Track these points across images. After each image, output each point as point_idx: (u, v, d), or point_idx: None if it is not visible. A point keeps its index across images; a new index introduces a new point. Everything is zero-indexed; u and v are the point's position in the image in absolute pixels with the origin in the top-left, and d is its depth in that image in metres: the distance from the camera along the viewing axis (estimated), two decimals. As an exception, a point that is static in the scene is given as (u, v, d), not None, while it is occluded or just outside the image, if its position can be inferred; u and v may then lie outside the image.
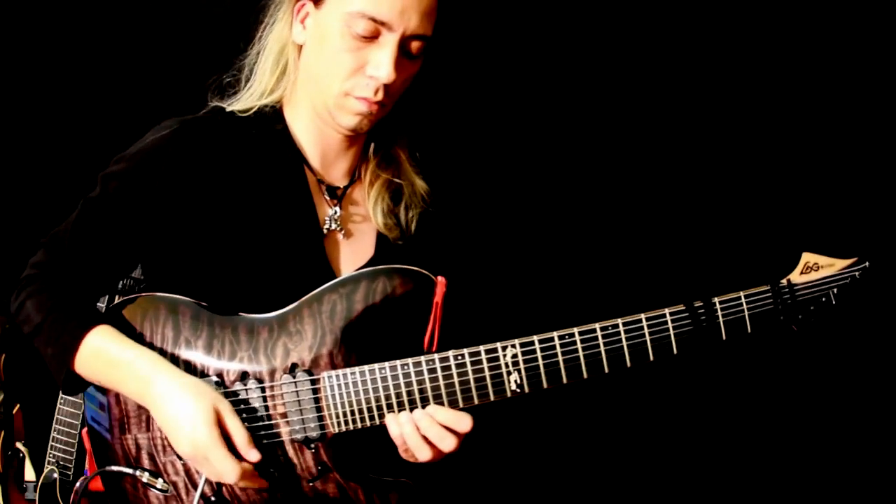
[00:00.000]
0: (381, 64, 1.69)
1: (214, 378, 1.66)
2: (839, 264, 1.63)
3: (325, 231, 1.82)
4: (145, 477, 1.66)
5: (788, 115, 2.38)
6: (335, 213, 1.83)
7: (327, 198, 1.84)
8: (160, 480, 1.66)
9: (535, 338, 1.63)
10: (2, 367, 2.68)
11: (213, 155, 1.73)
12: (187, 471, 1.66)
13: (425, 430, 1.62)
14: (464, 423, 1.62)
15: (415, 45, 1.72)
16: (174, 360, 1.67)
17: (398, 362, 1.64)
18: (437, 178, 1.93)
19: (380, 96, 1.72)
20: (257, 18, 1.86)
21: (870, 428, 2.39)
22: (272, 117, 1.82)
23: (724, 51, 2.40)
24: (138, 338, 1.69)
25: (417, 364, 1.63)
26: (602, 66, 2.47)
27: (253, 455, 1.59)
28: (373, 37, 1.69)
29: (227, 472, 1.56)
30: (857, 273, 1.62)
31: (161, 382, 1.60)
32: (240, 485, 1.59)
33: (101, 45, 2.75)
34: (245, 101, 1.84)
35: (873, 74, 2.31)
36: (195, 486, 1.65)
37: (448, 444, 1.62)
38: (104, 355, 1.63)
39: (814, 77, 2.36)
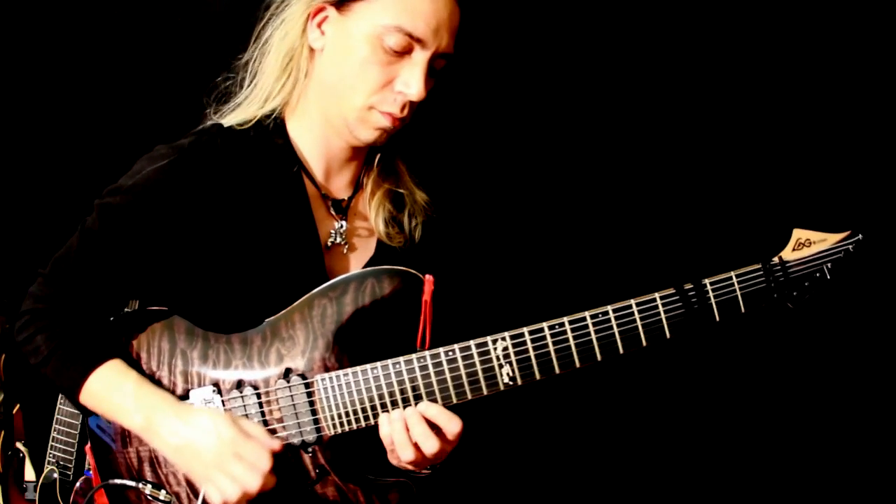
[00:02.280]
0: (412, 82, 1.71)
1: (211, 387, 1.72)
2: (832, 239, 1.66)
3: (328, 245, 1.85)
4: (148, 489, 1.74)
5: (772, 91, 2.39)
6: (341, 227, 1.86)
7: (333, 212, 1.86)
8: (163, 492, 1.74)
9: (525, 329, 1.67)
10: (2, 367, 2.73)
11: (212, 182, 1.75)
12: (189, 481, 1.73)
13: (412, 428, 1.67)
14: (453, 424, 1.66)
15: (440, 63, 1.75)
16: (171, 371, 1.74)
17: (390, 361, 1.69)
18: (429, 179, 1.96)
19: (405, 113, 1.74)
20: (257, 15, 1.84)
21: (870, 404, 2.42)
22: (273, 130, 1.82)
23: (708, 35, 2.40)
24: (135, 353, 1.75)
25: (409, 362, 1.68)
26: (587, 57, 2.48)
27: (275, 443, 1.67)
28: (404, 52, 1.71)
29: (261, 459, 1.64)
30: (850, 246, 1.64)
31: (166, 421, 1.67)
32: (263, 486, 1.65)
33: (97, 45, 2.75)
34: (245, 107, 1.83)
35: (856, 50, 2.31)
36: (197, 496, 1.71)
37: (430, 445, 1.66)
38: (104, 399, 1.71)
39: (797, 55, 2.36)
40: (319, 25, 1.76)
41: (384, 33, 1.69)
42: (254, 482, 1.63)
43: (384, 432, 1.69)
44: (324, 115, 1.80)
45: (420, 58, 1.72)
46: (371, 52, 1.71)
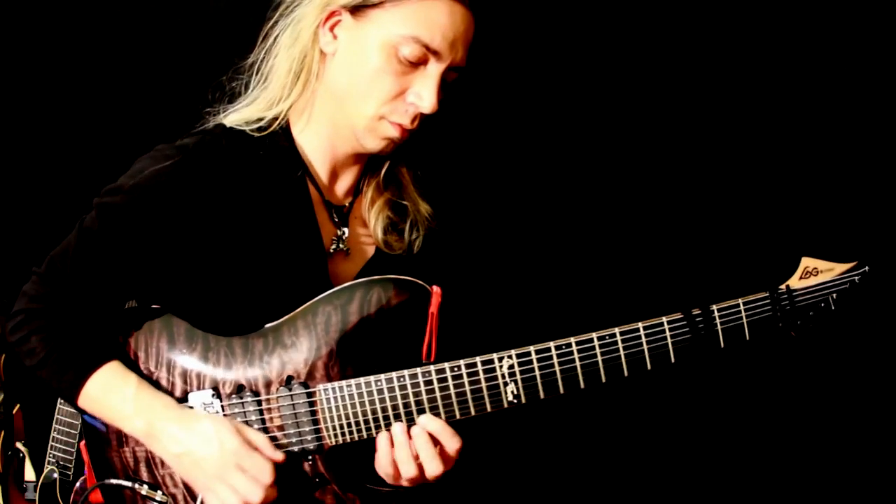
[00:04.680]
0: (425, 94, 1.70)
1: (210, 391, 1.71)
2: (838, 269, 1.65)
3: (330, 250, 1.84)
4: (144, 489, 1.73)
5: (785, 116, 2.38)
6: (343, 233, 1.85)
7: (335, 218, 1.85)
8: (159, 493, 1.72)
9: (532, 348, 1.66)
10: (2, 367, 2.72)
11: (215, 185, 1.72)
12: (186, 483, 1.72)
13: (415, 438, 1.65)
14: (454, 441, 1.65)
15: (452, 75, 1.74)
16: (169, 372, 1.72)
17: (394, 374, 1.68)
18: (434, 191, 1.95)
19: (415, 124, 1.74)
20: (262, 16, 1.82)
21: (871, 437, 2.40)
22: (278, 133, 1.80)
23: (718, 54, 2.39)
24: (133, 352, 1.73)
25: (413, 376, 1.67)
26: (596, 74, 2.48)
27: (278, 455, 1.66)
28: (419, 63, 1.70)
29: (264, 472, 1.63)
30: (856, 278, 1.64)
31: (168, 427, 1.66)
32: (269, 494, 1.64)
33: (98, 43, 2.75)
34: (252, 108, 1.81)
35: (871, 75, 2.30)
36: (194, 498, 1.70)
37: (431, 459, 1.64)
38: (104, 403, 1.70)
39: (811, 77, 2.35)
40: (332, 29, 1.74)
41: (400, 43, 1.68)
42: (256, 495, 1.62)
43: (382, 446, 1.67)
44: (331, 120, 1.79)
45: (434, 70, 1.71)
46: (385, 61, 1.69)
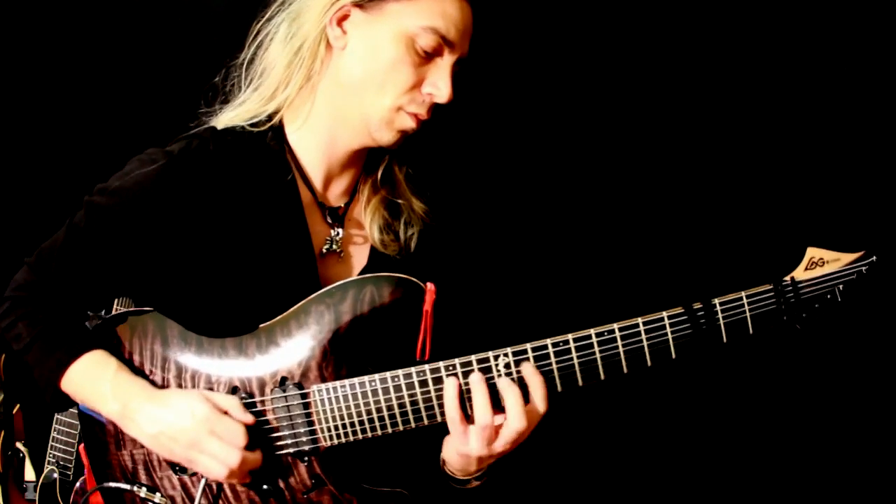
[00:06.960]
0: (441, 84, 1.77)
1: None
2: (845, 259, 1.64)
3: (323, 252, 1.87)
4: (143, 492, 1.76)
5: (789, 104, 2.37)
6: (337, 234, 1.88)
7: (328, 220, 1.88)
8: (158, 495, 1.75)
9: (529, 346, 1.67)
10: (2, 367, 2.76)
11: (202, 189, 1.77)
12: (184, 485, 1.75)
13: (503, 390, 1.63)
14: (543, 401, 1.64)
15: (456, 67, 1.80)
16: (164, 373, 1.75)
17: (388, 374, 1.69)
18: (428, 188, 1.97)
19: (429, 115, 1.79)
20: (256, 14, 1.85)
21: (877, 432, 2.39)
22: (270, 133, 1.84)
23: (721, 45, 2.39)
24: (128, 354, 1.76)
25: (408, 376, 1.69)
26: (595, 63, 2.48)
27: (248, 417, 1.69)
28: (434, 54, 1.76)
29: (236, 434, 1.65)
30: (863, 268, 1.63)
31: (142, 407, 1.69)
32: (243, 461, 1.66)
33: (95, 43, 2.78)
34: (248, 106, 1.85)
35: (876, 65, 2.29)
36: (192, 500, 1.73)
37: (516, 419, 1.61)
38: (83, 385, 1.73)
39: (814, 68, 2.35)
40: (340, 24, 1.78)
41: (418, 34, 1.74)
42: (233, 458, 1.65)
43: (450, 394, 1.64)
44: (337, 116, 1.82)
45: (448, 61, 1.77)
46: (404, 52, 1.75)
